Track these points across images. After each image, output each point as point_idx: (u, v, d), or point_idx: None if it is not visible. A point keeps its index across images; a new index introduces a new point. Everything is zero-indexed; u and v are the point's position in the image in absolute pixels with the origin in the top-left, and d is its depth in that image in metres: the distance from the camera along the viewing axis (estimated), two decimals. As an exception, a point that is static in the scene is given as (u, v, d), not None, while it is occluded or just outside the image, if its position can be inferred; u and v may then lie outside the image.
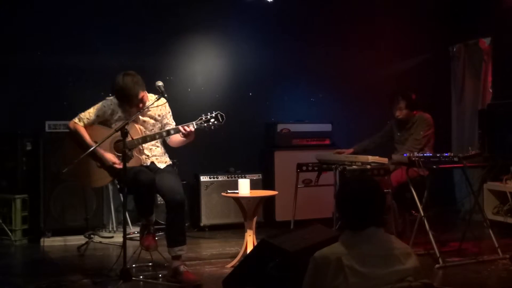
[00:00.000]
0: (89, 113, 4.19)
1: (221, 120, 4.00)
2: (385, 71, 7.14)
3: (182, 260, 4.20)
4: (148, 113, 4.27)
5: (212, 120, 3.99)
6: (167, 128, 4.26)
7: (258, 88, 6.75)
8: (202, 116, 4.00)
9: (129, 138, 3.97)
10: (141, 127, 4.21)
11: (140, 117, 4.23)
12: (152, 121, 4.30)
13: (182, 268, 4.10)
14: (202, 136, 4.41)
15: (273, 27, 6.75)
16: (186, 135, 4.03)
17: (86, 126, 4.17)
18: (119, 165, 4.03)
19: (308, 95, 6.95)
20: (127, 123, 3.86)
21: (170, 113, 4.39)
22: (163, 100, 4.22)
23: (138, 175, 3.95)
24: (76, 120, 4.18)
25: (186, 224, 6.14)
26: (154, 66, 6.15)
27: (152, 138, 4.15)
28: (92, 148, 3.92)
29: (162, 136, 4.17)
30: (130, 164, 3.99)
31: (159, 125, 4.32)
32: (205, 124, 3.99)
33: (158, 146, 4.35)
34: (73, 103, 5.95)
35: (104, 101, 4.26)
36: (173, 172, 4.34)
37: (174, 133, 4.11)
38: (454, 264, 4.47)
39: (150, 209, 4.23)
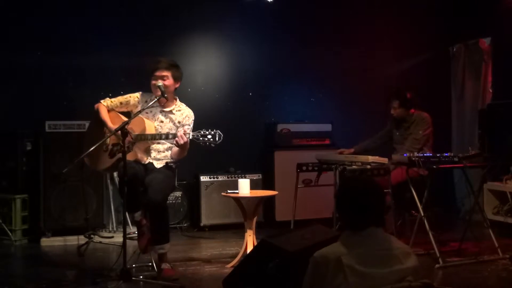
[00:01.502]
0: (114, 99, 4.42)
1: (217, 140, 3.97)
2: (385, 71, 7.14)
3: (167, 259, 4.26)
4: (170, 115, 4.36)
5: (209, 136, 3.96)
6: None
7: (258, 88, 6.75)
8: (201, 130, 3.99)
9: (135, 131, 4.10)
10: (152, 124, 4.27)
11: (160, 115, 4.34)
12: (170, 124, 4.35)
13: (162, 265, 4.17)
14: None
15: (273, 27, 6.75)
16: (180, 143, 4.01)
17: (108, 109, 4.37)
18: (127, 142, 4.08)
19: (308, 95, 6.95)
20: (127, 123, 3.88)
21: (190, 127, 4.40)
22: (191, 112, 4.43)
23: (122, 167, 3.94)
24: (101, 100, 4.40)
25: (186, 224, 6.20)
26: (154, 66, 6.14)
27: (152, 137, 4.18)
28: (97, 144, 4.01)
29: (161, 137, 4.19)
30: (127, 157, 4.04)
31: (175, 130, 4.34)
32: (201, 138, 3.97)
33: (167, 150, 4.37)
34: (73, 103, 5.96)
35: (134, 93, 4.43)
36: (167, 173, 4.30)
37: (171, 138, 4.12)
38: (454, 264, 4.47)
39: (133, 205, 4.18)
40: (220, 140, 3.97)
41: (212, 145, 3.96)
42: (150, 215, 4.14)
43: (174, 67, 4.37)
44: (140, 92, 4.42)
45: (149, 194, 4.06)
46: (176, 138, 4.00)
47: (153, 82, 4.28)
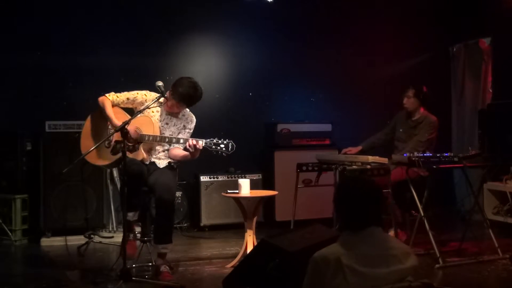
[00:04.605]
0: (121, 94, 4.36)
1: (229, 150, 3.97)
2: (385, 71, 7.14)
3: (167, 259, 4.25)
4: (174, 118, 4.38)
5: (222, 146, 3.96)
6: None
7: (258, 88, 6.75)
8: (214, 138, 3.99)
9: (143, 131, 4.12)
10: (158, 125, 4.27)
11: (166, 117, 4.36)
12: (174, 127, 4.37)
13: (162, 268, 4.15)
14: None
15: (273, 27, 6.75)
16: (192, 149, 4.00)
17: (113, 104, 4.32)
18: (134, 135, 4.08)
19: (308, 95, 6.95)
20: (127, 123, 3.88)
21: (191, 131, 4.44)
22: (194, 118, 4.44)
23: (128, 164, 3.93)
24: (106, 94, 4.34)
25: (186, 224, 6.20)
26: (154, 66, 6.15)
27: (161, 139, 4.18)
28: (101, 141, 4.04)
29: (171, 141, 4.18)
30: (132, 155, 4.09)
31: (177, 134, 4.37)
32: (213, 147, 3.97)
33: (167, 150, 4.38)
34: (73, 103, 5.95)
35: (141, 90, 4.39)
36: (171, 172, 4.34)
37: (182, 143, 4.12)
38: (454, 264, 4.47)
39: (131, 204, 4.15)
40: (233, 151, 3.96)
41: (224, 154, 3.96)
42: (160, 215, 4.13)
43: (193, 94, 4.30)
44: (147, 91, 4.40)
45: (158, 193, 4.06)
46: (188, 145, 3.98)
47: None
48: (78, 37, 6.05)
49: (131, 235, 4.29)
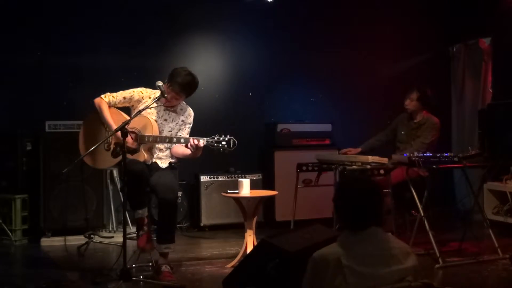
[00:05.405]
0: (117, 94, 4.33)
1: (231, 147, 3.94)
2: (385, 71, 7.14)
3: (169, 260, 4.25)
4: (173, 113, 4.36)
5: (223, 143, 3.93)
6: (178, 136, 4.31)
7: (258, 88, 6.75)
8: (215, 136, 3.97)
9: (142, 132, 4.13)
10: (156, 123, 4.26)
11: (164, 113, 4.33)
12: (173, 123, 4.35)
13: (163, 268, 4.15)
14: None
15: (273, 27, 6.75)
16: (193, 149, 3.99)
17: (110, 105, 4.29)
18: (131, 144, 4.10)
19: (308, 95, 6.95)
20: (127, 123, 3.87)
21: (191, 125, 4.42)
22: (192, 111, 4.43)
23: (129, 164, 3.93)
24: (102, 96, 4.31)
25: (186, 224, 6.20)
26: (154, 66, 6.14)
27: (162, 140, 4.18)
28: (100, 142, 4.05)
29: (172, 141, 4.17)
30: (133, 157, 4.09)
31: (176, 130, 4.36)
32: (215, 145, 3.94)
33: (168, 148, 4.38)
34: (73, 103, 5.95)
35: (137, 88, 4.37)
36: (172, 172, 4.34)
37: (183, 143, 4.10)
38: (454, 264, 4.47)
39: (139, 202, 4.18)
40: (235, 147, 3.94)
41: (226, 151, 3.94)
42: (163, 215, 4.12)
43: (189, 83, 4.28)
44: (143, 88, 4.40)
45: (160, 193, 4.05)
46: (192, 143, 3.96)
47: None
48: (78, 37, 6.05)
49: (145, 228, 4.25)
